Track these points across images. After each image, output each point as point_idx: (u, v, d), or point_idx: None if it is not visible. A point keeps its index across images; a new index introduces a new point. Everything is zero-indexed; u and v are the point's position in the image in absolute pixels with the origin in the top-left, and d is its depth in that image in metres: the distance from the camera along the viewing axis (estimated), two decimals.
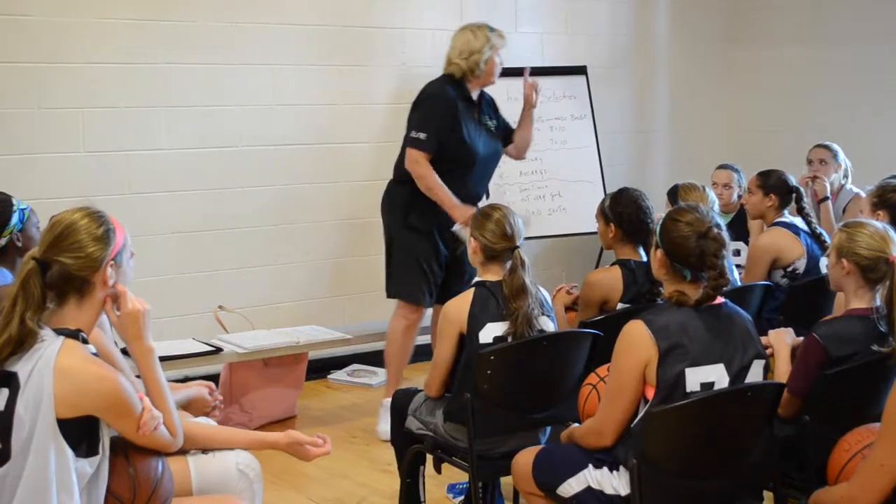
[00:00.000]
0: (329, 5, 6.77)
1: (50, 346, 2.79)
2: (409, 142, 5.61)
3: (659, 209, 4.64)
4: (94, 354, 2.87)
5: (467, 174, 5.63)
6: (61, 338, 2.82)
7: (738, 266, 5.44)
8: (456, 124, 5.57)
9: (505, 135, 5.87)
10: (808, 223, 5.44)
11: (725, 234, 3.38)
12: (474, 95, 5.69)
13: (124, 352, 3.17)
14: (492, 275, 4.11)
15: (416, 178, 5.58)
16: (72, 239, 2.87)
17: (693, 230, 3.33)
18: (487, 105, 5.79)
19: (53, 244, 2.87)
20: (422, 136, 5.56)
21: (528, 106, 5.90)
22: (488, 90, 5.81)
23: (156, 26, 6.13)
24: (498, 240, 4.09)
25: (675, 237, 3.37)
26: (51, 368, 2.75)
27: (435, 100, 5.62)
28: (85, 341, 2.87)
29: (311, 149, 6.74)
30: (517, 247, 4.08)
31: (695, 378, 3.22)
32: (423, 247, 5.69)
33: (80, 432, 2.78)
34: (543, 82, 7.33)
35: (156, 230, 6.10)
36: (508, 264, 4.06)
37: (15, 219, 4.22)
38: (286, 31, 6.60)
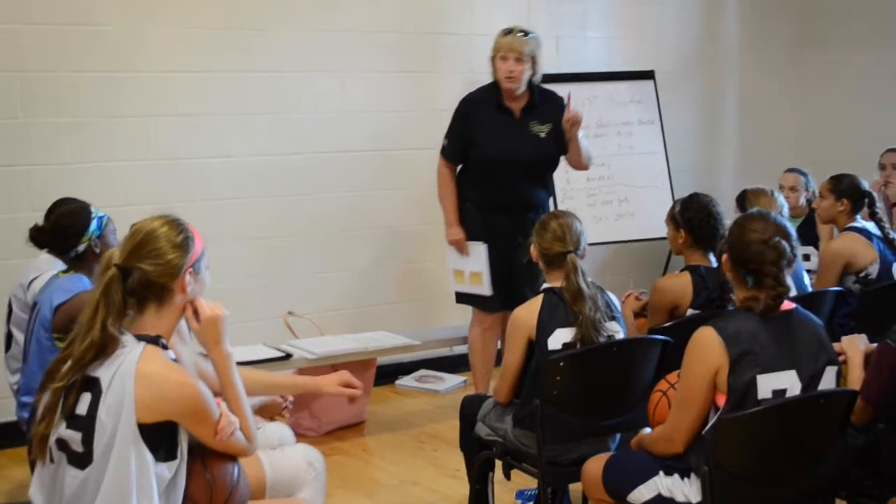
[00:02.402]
0: (397, 12, 6.83)
1: (131, 351, 2.85)
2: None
3: (728, 215, 4.63)
4: (174, 360, 2.93)
5: (497, 178, 5.64)
6: (142, 344, 2.87)
7: (808, 271, 5.40)
8: (469, 127, 5.66)
9: (562, 141, 5.73)
10: (881, 228, 5.40)
11: (789, 245, 3.35)
12: (508, 100, 5.67)
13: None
14: (557, 281, 4.14)
15: (438, 183, 5.78)
16: (152, 246, 2.93)
17: (757, 236, 3.33)
18: (541, 109, 5.71)
19: (134, 251, 2.93)
20: (445, 142, 5.74)
21: (568, 132, 5.66)
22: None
23: (226, 35, 6.22)
24: (551, 245, 4.13)
25: (737, 241, 3.38)
26: (132, 374, 2.80)
27: (460, 105, 5.78)
28: (165, 347, 2.92)
29: (378, 155, 6.80)
30: (570, 251, 4.10)
31: (766, 385, 3.21)
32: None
33: (159, 437, 2.84)
34: (611, 87, 7.39)
35: (225, 237, 6.16)
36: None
37: (93, 226, 4.31)
38: (354, 38, 6.65)
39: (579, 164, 5.84)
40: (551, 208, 5.90)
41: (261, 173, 6.41)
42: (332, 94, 6.61)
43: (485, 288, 5.74)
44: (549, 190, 5.87)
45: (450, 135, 5.76)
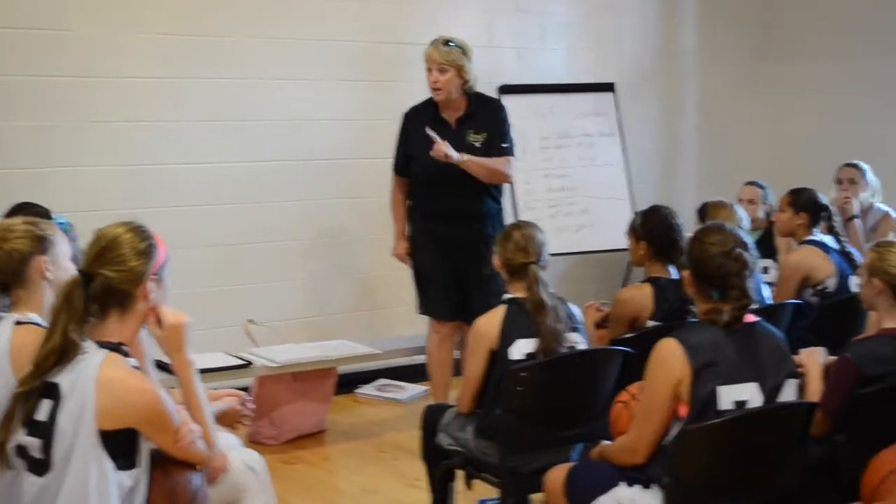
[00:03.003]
0: (359, 22, 6.83)
1: (92, 358, 2.82)
2: None
3: (688, 227, 4.65)
4: (135, 367, 2.90)
5: (435, 188, 5.69)
6: (104, 350, 2.85)
7: (767, 283, 5.44)
8: (407, 140, 5.76)
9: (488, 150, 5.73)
10: (839, 241, 5.44)
11: (750, 254, 3.40)
12: (444, 111, 5.70)
13: (158, 365, 3.21)
14: (519, 291, 4.14)
15: None
16: (115, 252, 2.91)
17: (717, 250, 3.36)
18: (479, 118, 5.72)
19: (97, 257, 2.92)
20: (394, 155, 5.86)
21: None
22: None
23: (190, 42, 6.20)
24: (514, 255, 4.14)
25: (699, 257, 3.40)
26: (93, 380, 2.78)
27: (402, 118, 5.85)
28: (126, 354, 2.90)
29: (341, 164, 6.79)
30: (532, 262, 4.11)
31: (728, 396, 3.23)
32: (422, 259, 5.85)
33: (120, 445, 2.81)
34: (572, 98, 7.43)
35: (187, 243, 6.11)
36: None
37: None
38: (317, 47, 6.66)
39: (491, 181, 5.73)
40: (506, 218, 5.92)
41: (225, 180, 6.39)
42: (295, 102, 6.60)
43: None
44: (497, 198, 5.84)
45: (396, 148, 5.86)
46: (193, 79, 6.24)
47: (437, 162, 5.53)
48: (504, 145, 5.72)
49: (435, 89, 5.63)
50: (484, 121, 5.72)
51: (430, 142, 5.53)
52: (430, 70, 5.63)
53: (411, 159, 5.74)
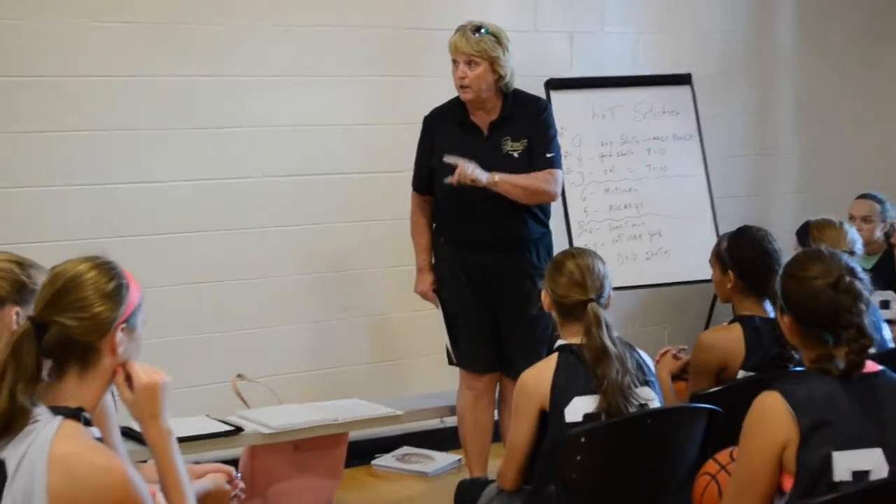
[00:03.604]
0: (372, 4, 6.86)
1: (45, 428, 2.80)
2: None
3: (786, 252, 4.64)
4: (98, 439, 2.89)
5: (466, 210, 5.70)
6: (59, 418, 2.83)
7: (888, 322, 5.41)
8: (430, 150, 5.79)
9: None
10: None
11: (861, 283, 3.39)
12: (474, 114, 5.74)
13: (127, 434, 3.22)
14: (575, 336, 4.16)
15: None
16: (76, 295, 2.90)
17: (822, 283, 3.37)
18: (516, 121, 5.76)
19: (53, 301, 2.90)
20: (413, 170, 5.91)
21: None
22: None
23: (151, 30, 6.22)
24: (567, 291, 4.16)
25: (802, 298, 3.41)
26: (45, 456, 2.76)
27: (422, 126, 5.90)
28: (87, 423, 2.88)
29: (348, 179, 6.82)
30: (591, 299, 4.12)
31: (845, 465, 3.21)
32: (452, 297, 5.88)
33: None
34: (638, 94, 7.43)
35: (156, 281, 6.10)
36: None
37: None
38: (315, 35, 6.68)
39: (532, 202, 5.75)
40: (556, 244, 5.93)
41: (199, 202, 6.41)
42: (285, 104, 6.63)
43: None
44: (543, 219, 5.87)
45: (416, 161, 5.91)
46: (151, 77, 6.25)
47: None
48: (549, 155, 5.72)
49: (462, 87, 5.65)
50: (524, 125, 5.74)
51: (469, 151, 5.55)
52: (455, 63, 5.65)
53: (434, 173, 5.76)
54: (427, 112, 5.91)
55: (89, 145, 6.12)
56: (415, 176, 5.90)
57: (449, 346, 5.93)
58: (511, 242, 5.73)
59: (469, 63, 5.61)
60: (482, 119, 5.74)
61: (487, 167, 5.56)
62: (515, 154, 5.69)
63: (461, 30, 5.67)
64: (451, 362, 5.99)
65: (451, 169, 5.51)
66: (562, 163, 5.83)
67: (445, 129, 5.73)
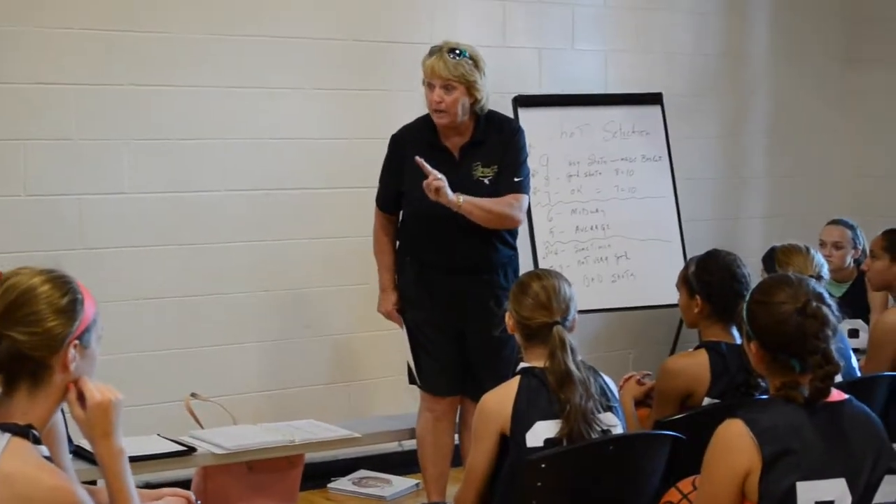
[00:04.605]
0: (338, 14, 6.87)
1: None
2: None
3: (755, 277, 4.67)
4: (47, 458, 2.88)
5: (435, 235, 5.69)
6: (7, 435, 2.82)
7: (856, 351, 5.44)
8: (398, 172, 5.76)
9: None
10: None
11: (828, 309, 3.41)
12: (446, 137, 5.71)
13: (76, 453, 3.21)
14: (539, 359, 4.16)
15: None
16: (28, 309, 2.89)
17: (789, 308, 3.38)
18: (488, 146, 5.73)
19: (4, 314, 2.89)
20: (378, 187, 5.89)
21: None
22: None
23: (120, 38, 6.22)
24: (532, 313, 4.16)
25: (768, 323, 3.42)
26: None
27: (389, 144, 5.88)
28: (37, 441, 2.88)
29: (313, 194, 6.82)
30: (556, 322, 4.13)
31: (809, 495, 3.23)
32: (416, 318, 5.87)
33: None
34: (607, 113, 7.45)
35: (113, 295, 6.11)
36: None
37: None
38: (283, 46, 6.69)
39: (495, 227, 5.73)
40: (521, 264, 5.94)
41: (159, 215, 6.40)
42: (253, 117, 6.64)
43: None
44: (511, 243, 5.86)
45: (381, 178, 5.89)
46: (115, 86, 6.24)
47: (438, 202, 5.51)
48: (516, 179, 5.70)
49: (437, 111, 5.61)
50: (495, 149, 5.72)
51: (453, 181, 5.52)
52: (430, 87, 5.61)
53: (402, 195, 5.76)
54: (392, 128, 5.89)
55: (52, 155, 6.11)
56: (380, 194, 5.89)
57: (412, 366, 5.92)
58: (479, 266, 5.72)
59: (445, 87, 5.55)
60: (453, 143, 5.71)
61: (452, 183, 5.55)
62: (486, 181, 5.68)
63: (437, 51, 5.60)
64: (411, 381, 5.97)
65: (420, 191, 5.49)
66: (530, 187, 5.84)
67: (415, 150, 5.61)
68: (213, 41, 6.48)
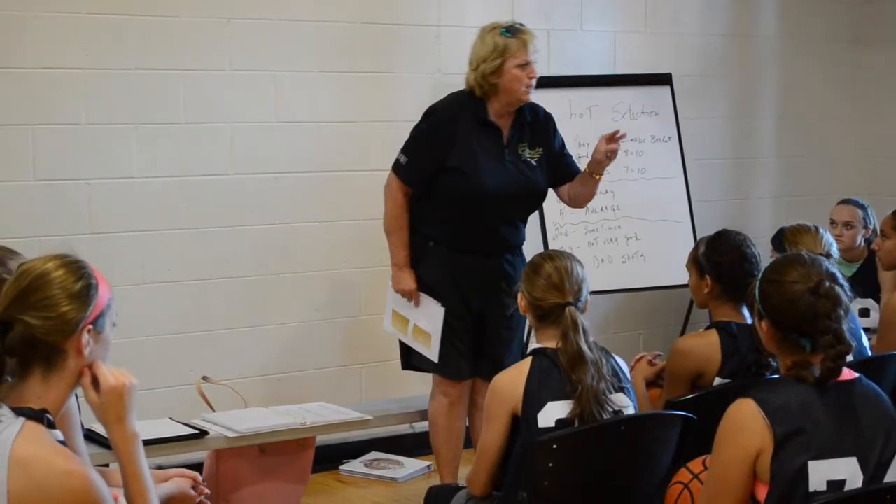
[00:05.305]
0: None
1: (6, 429, 2.81)
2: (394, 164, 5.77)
3: (765, 257, 4.68)
4: (61, 442, 2.89)
5: (477, 214, 5.62)
6: (21, 419, 2.83)
7: (866, 330, 5.45)
8: (446, 149, 5.60)
9: (556, 169, 5.79)
10: None
11: (841, 289, 3.41)
12: (498, 116, 5.66)
13: (89, 437, 3.21)
14: (551, 340, 4.16)
15: (385, 208, 5.77)
16: (42, 294, 2.90)
17: (801, 287, 3.38)
18: (531, 128, 5.74)
19: (18, 299, 2.90)
20: (403, 159, 5.69)
21: (595, 169, 5.74)
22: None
23: (127, 23, 6.23)
24: (545, 294, 4.16)
25: (780, 302, 3.42)
26: (6, 458, 2.77)
27: (431, 119, 5.71)
28: (51, 425, 2.89)
29: (322, 177, 6.82)
30: (568, 303, 4.13)
31: (820, 474, 3.24)
32: (443, 300, 5.80)
33: None
34: (616, 94, 7.44)
35: (123, 279, 6.13)
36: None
37: None
38: (290, 29, 6.68)
39: (580, 203, 5.96)
40: (531, 247, 5.97)
41: (166, 199, 6.41)
42: (260, 100, 6.64)
43: (432, 352, 5.79)
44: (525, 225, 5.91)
45: (413, 152, 5.68)
46: (120, 70, 6.24)
47: (493, 180, 5.52)
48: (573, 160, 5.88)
49: (529, 87, 5.59)
50: (535, 133, 5.73)
51: (491, 154, 5.55)
52: (523, 66, 5.57)
53: (449, 173, 5.62)
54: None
55: (61, 139, 6.12)
56: (410, 169, 5.67)
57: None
58: (512, 246, 5.74)
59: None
60: (503, 122, 5.67)
61: (509, 171, 5.59)
62: (533, 161, 5.68)
63: (518, 29, 5.62)
64: (405, 367, 6.01)
65: (491, 162, 5.54)
66: None
67: (467, 127, 5.59)
68: (221, 25, 6.48)
